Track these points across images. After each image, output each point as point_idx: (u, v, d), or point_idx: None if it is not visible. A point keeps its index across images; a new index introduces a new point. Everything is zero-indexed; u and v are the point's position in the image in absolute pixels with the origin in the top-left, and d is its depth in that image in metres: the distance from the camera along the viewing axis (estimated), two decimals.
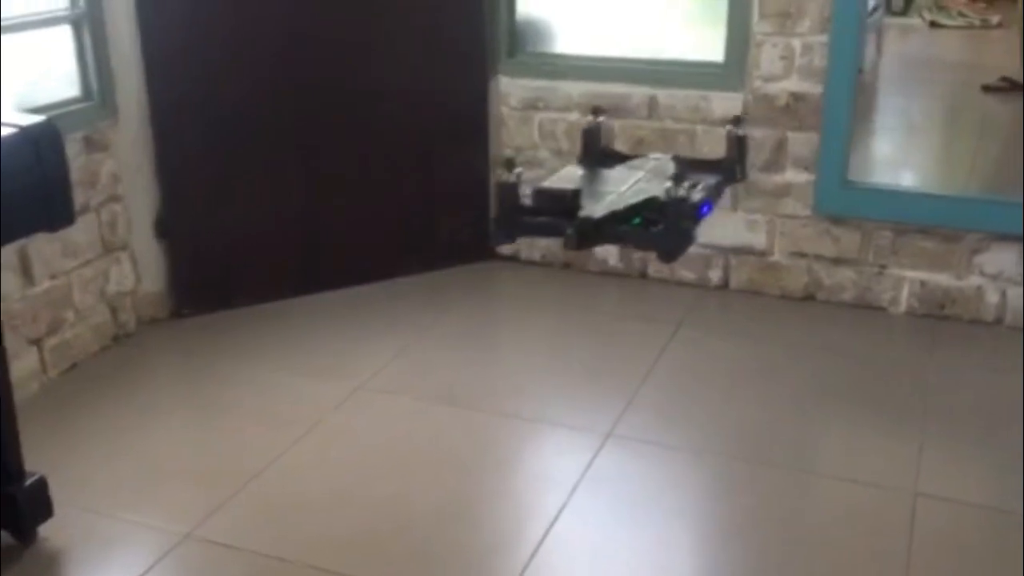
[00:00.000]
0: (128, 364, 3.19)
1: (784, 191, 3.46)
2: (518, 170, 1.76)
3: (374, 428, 2.82)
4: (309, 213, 3.54)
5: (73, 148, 3.05)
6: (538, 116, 3.70)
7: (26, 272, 2.95)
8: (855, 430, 2.78)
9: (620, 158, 2.09)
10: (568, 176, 1.96)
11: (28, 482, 2.27)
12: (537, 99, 3.68)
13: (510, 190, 1.71)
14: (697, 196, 1.85)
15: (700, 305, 3.56)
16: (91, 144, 3.12)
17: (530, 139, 3.73)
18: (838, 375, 3.07)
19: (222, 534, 2.36)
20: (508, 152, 3.77)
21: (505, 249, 3.89)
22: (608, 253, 3.75)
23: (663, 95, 3.52)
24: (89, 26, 3.07)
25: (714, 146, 3.47)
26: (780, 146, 3.42)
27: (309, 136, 3.48)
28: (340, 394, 2.96)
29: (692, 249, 3.57)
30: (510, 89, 3.71)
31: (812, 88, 3.31)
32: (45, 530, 2.33)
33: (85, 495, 2.49)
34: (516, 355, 3.31)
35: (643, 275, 3.74)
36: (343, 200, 3.58)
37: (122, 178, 3.26)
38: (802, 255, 3.51)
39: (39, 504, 2.29)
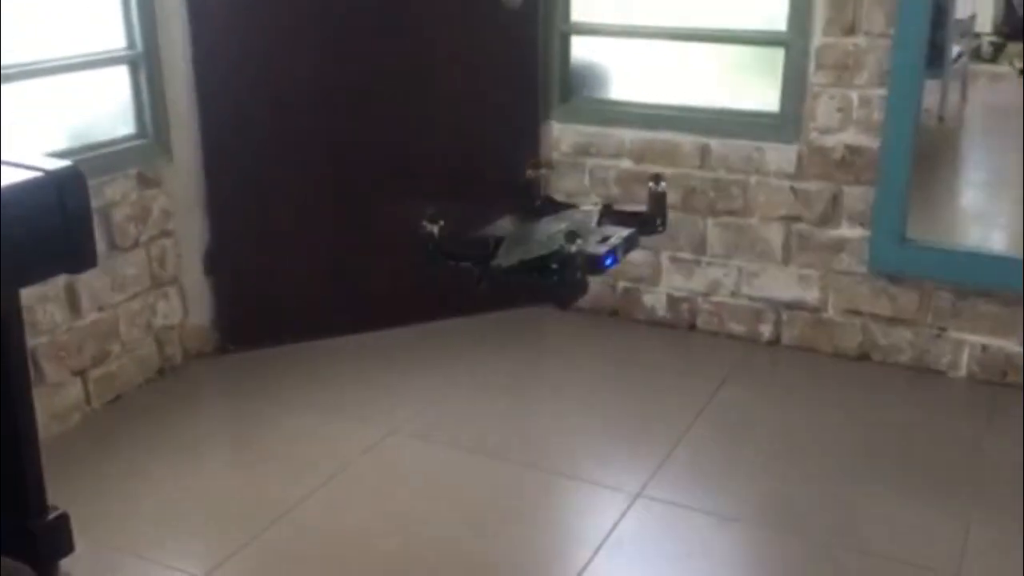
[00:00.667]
0: (170, 398, 3.22)
1: (839, 246, 3.34)
2: (441, 222, 2.03)
3: (400, 476, 2.79)
4: (354, 254, 3.55)
5: (127, 184, 3.14)
6: (589, 162, 3.66)
7: (73, 304, 3.01)
8: (900, 503, 2.64)
9: (558, 207, 2.33)
10: (502, 226, 2.19)
11: (49, 517, 2.29)
12: (589, 145, 3.65)
13: (430, 238, 2.04)
14: (600, 249, 2.03)
15: (748, 361, 3.45)
16: (144, 181, 3.19)
17: (580, 185, 3.69)
18: (888, 442, 2.94)
19: None
20: (558, 197, 3.73)
21: None
22: (657, 303, 3.68)
23: (716, 144, 3.44)
24: (146, 67, 3.14)
25: (769, 197, 3.40)
26: (835, 200, 3.31)
27: (356, 179, 3.50)
28: (372, 438, 2.94)
29: (742, 302, 3.52)
30: (562, 134, 3.68)
31: (869, 142, 3.20)
32: (66, 565, 2.35)
33: (110, 531, 2.51)
34: (554, 406, 3.25)
35: (692, 327, 3.65)
36: (388, 241, 3.56)
37: (173, 214, 3.32)
38: (857, 313, 3.38)
39: (59, 540, 2.31)
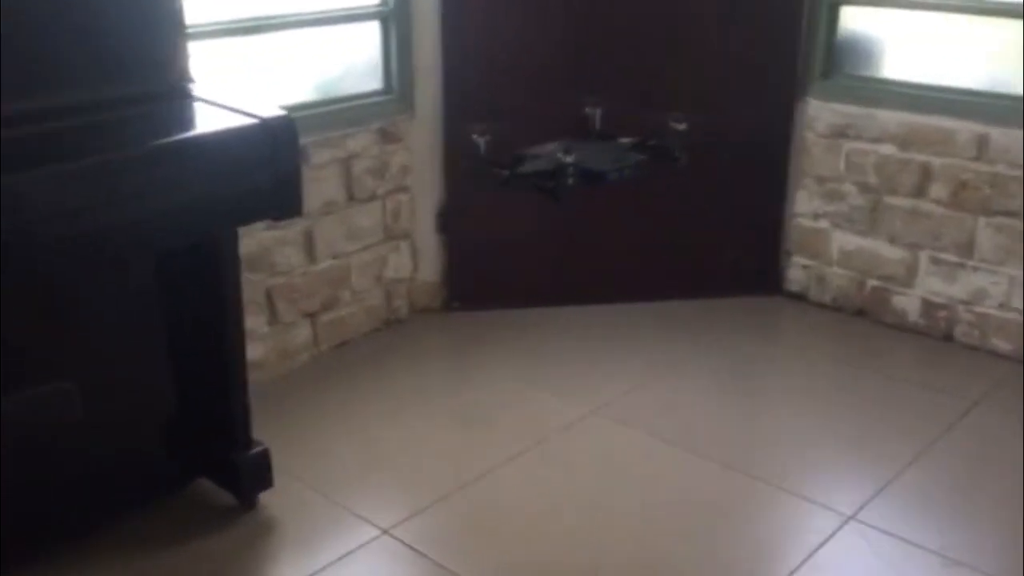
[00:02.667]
0: (391, 350, 3.30)
1: None
2: (487, 136, 2.50)
3: (595, 458, 2.69)
4: (582, 223, 3.46)
5: (368, 138, 3.22)
6: (847, 145, 3.34)
7: (310, 250, 3.14)
8: None
9: (605, 137, 2.75)
10: (545, 146, 2.57)
11: (252, 451, 2.40)
12: (848, 126, 3.32)
13: (475, 149, 2.46)
14: (604, 166, 2.46)
15: (1010, 383, 3.02)
16: (385, 136, 3.26)
17: (835, 170, 3.38)
18: None
19: (414, 538, 2.36)
20: (807, 181, 3.45)
21: (793, 286, 3.58)
22: (909, 307, 3.31)
23: (997, 134, 3.02)
24: (396, 24, 3.20)
25: None
26: None
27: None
28: (573, 415, 2.86)
29: (1011, 316, 3.09)
30: (819, 113, 3.37)
31: None
32: (265, 497, 2.46)
33: (310, 471, 2.61)
34: (774, 407, 3.01)
35: (948, 337, 3.25)
36: (620, 212, 3.45)
37: (411, 170, 3.37)
38: None
39: (259, 474, 2.42)
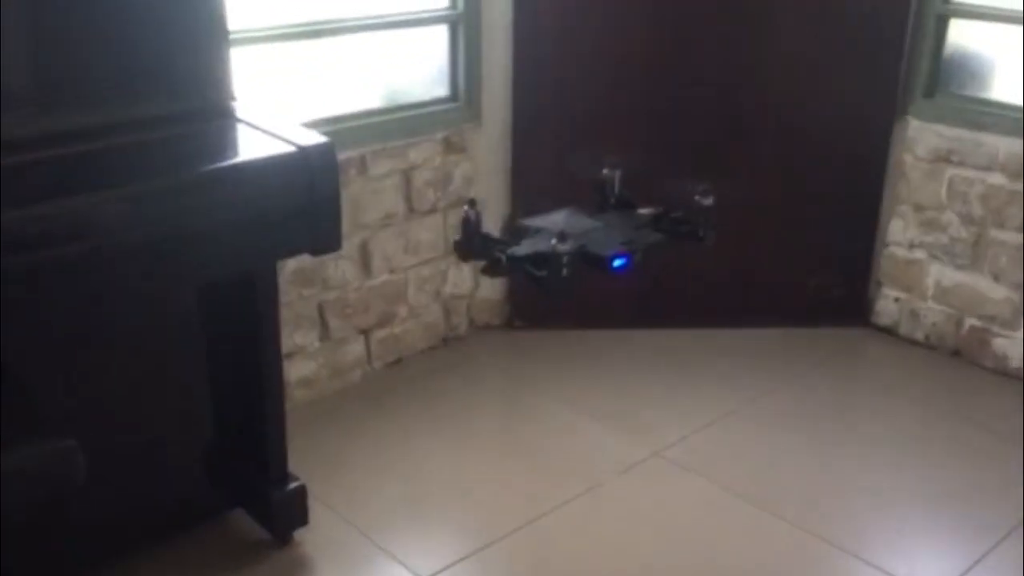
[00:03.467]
0: (447, 369, 3.15)
1: None
2: (477, 208, 2.12)
3: (653, 508, 2.50)
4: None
5: (432, 148, 3.06)
6: (949, 172, 3.06)
7: (365, 264, 3.01)
8: None
9: (623, 207, 2.33)
10: (551, 218, 2.20)
11: (287, 488, 2.27)
12: (951, 151, 3.04)
13: (468, 223, 2.10)
14: (609, 251, 2.08)
15: None
16: (449, 145, 3.10)
17: (935, 198, 3.10)
18: None
19: None
20: (904, 208, 3.17)
21: (883, 319, 3.31)
22: (1012, 351, 3.02)
23: None
24: (465, 28, 3.03)
25: None
26: None
27: (671, 162, 3.17)
28: (634, 456, 2.68)
29: None
30: (920, 135, 3.10)
31: None
32: (301, 532, 2.34)
33: (351, 504, 2.48)
34: (855, 457, 2.76)
35: None
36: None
37: (475, 182, 3.21)
38: None
39: (293, 511, 2.29)
